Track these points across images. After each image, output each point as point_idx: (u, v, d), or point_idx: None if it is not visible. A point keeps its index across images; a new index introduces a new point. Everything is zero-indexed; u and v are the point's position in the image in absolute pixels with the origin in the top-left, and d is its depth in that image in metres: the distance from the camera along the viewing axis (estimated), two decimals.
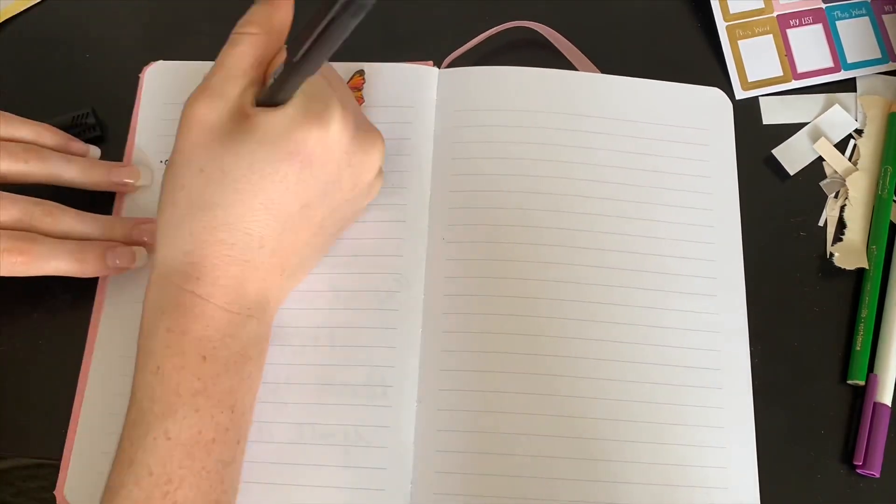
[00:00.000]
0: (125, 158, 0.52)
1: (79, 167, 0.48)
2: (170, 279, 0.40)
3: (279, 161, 0.39)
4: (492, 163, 0.51)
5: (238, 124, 0.39)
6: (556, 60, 0.54)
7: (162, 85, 0.53)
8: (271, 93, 0.39)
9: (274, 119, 0.39)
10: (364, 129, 0.43)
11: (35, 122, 0.48)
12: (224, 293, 0.40)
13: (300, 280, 0.47)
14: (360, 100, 0.52)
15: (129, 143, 0.52)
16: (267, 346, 0.44)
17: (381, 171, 0.46)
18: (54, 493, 0.45)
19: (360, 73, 0.53)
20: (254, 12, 0.42)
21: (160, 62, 0.54)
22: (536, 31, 0.55)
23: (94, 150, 0.51)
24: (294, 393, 0.46)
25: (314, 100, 0.39)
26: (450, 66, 0.54)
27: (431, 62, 0.54)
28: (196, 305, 0.39)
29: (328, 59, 0.36)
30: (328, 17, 0.33)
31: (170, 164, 0.41)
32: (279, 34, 0.42)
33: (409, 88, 0.53)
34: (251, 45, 0.41)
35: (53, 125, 0.49)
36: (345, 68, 0.53)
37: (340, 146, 0.41)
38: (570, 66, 0.54)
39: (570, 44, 0.54)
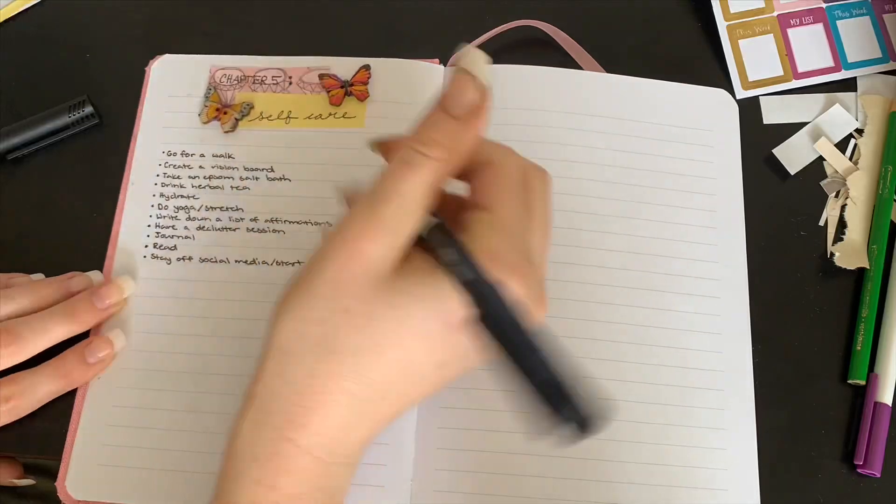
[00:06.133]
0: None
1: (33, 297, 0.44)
2: (269, 418, 0.32)
3: (432, 320, 0.32)
4: None
5: (401, 269, 0.32)
6: (562, 59, 0.51)
7: (168, 78, 0.51)
8: (457, 275, 0.32)
9: (442, 280, 0.32)
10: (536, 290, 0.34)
11: None
12: (327, 443, 0.32)
13: None
14: (365, 94, 0.49)
15: (133, 134, 0.49)
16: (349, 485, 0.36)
17: None
18: (55, 484, 0.42)
19: (366, 67, 0.50)
20: (440, 128, 0.33)
21: (167, 56, 0.51)
22: (542, 30, 0.52)
23: (37, 276, 0.46)
24: None
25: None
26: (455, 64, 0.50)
27: (437, 60, 0.50)
28: (293, 457, 0.32)
29: None
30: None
31: (308, 282, 0.33)
32: (462, 159, 0.34)
33: (415, 85, 0.49)
34: (432, 171, 0.32)
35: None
36: (350, 63, 0.50)
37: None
38: (575, 64, 0.51)
39: (575, 43, 0.51)
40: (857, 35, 0.52)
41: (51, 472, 0.43)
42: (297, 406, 0.32)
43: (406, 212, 0.32)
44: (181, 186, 0.48)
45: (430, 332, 0.32)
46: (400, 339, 0.32)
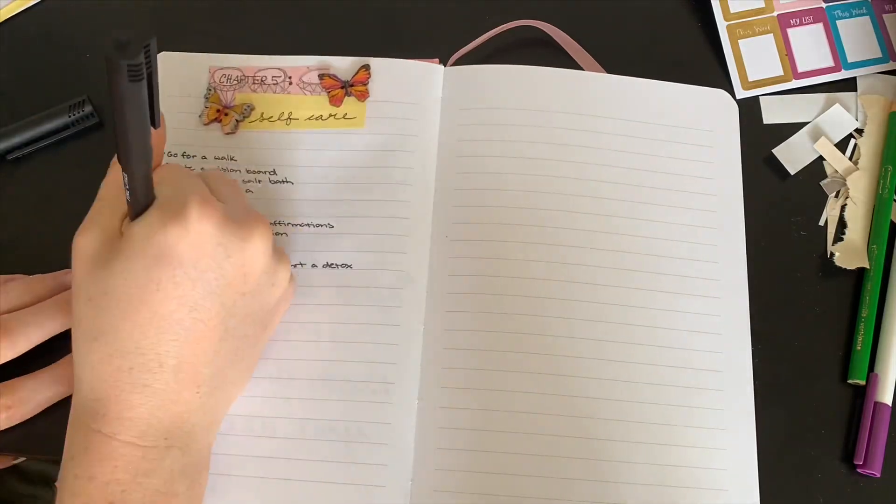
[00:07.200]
0: None
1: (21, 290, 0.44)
2: (81, 420, 0.36)
3: (150, 269, 0.35)
4: (496, 161, 0.47)
5: (113, 245, 0.36)
6: (562, 59, 0.51)
7: (167, 77, 0.50)
8: (132, 206, 0.36)
9: (136, 229, 0.35)
10: (238, 217, 0.37)
11: None
12: (132, 426, 0.35)
13: (231, 395, 0.41)
14: (365, 94, 0.49)
15: None
16: (204, 477, 0.39)
17: (281, 257, 0.40)
18: (56, 484, 0.41)
19: (366, 67, 0.49)
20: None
21: (165, 53, 0.50)
22: (542, 30, 0.51)
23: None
24: (295, 388, 0.43)
25: (170, 199, 0.36)
26: (455, 64, 0.50)
27: (437, 60, 0.50)
28: (103, 445, 0.35)
29: (144, 143, 0.33)
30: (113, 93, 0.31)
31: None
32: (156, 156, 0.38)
33: (415, 85, 0.49)
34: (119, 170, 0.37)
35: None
36: (350, 63, 0.49)
37: (207, 238, 0.35)
38: (575, 65, 0.50)
39: (575, 43, 0.51)
40: (857, 35, 0.52)
41: (52, 474, 0.42)
42: (93, 400, 0.35)
43: (104, 205, 0.37)
44: None
45: (155, 280, 0.35)
46: (137, 299, 0.35)
